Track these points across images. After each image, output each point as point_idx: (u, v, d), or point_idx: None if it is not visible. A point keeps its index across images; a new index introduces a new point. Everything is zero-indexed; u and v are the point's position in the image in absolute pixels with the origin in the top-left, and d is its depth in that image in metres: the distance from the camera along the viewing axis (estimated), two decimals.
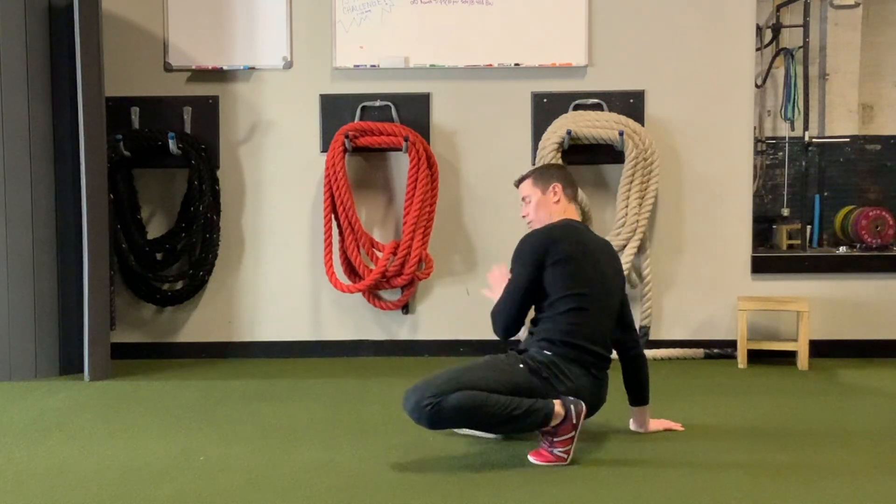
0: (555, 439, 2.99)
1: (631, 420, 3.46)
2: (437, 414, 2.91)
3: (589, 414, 3.13)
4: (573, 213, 3.34)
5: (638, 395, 3.40)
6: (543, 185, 3.31)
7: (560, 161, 4.90)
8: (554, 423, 2.98)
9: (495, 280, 3.32)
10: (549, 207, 3.29)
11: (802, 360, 4.80)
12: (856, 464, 3.01)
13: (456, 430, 3.33)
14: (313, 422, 3.65)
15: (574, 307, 3.13)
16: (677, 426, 3.46)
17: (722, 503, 2.64)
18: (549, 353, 3.11)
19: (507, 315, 3.19)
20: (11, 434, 3.48)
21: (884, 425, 3.56)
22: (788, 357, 4.93)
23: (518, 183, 3.42)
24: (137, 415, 3.81)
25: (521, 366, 3.07)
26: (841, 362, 4.93)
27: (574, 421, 2.99)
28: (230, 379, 4.61)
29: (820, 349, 4.96)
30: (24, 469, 3.02)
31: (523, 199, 3.37)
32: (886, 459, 3.07)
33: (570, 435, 2.99)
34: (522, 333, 3.37)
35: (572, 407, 3.00)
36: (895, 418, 3.68)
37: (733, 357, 4.95)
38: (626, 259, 4.91)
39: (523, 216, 3.38)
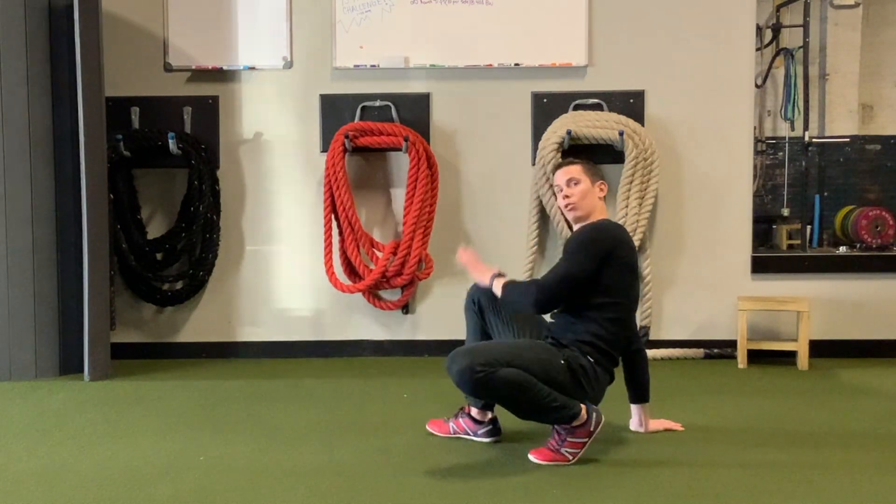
0: (569, 438, 3.02)
1: (631, 419, 3.46)
2: (485, 383, 2.91)
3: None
4: (606, 215, 3.35)
5: (638, 391, 3.42)
6: (593, 177, 3.30)
7: (560, 161, 4.90)
8: (576, 423, 3.02)
9: (470, 263, 3.34)
10: (594, 201, 3.28)
11: (802, 360, 4.80)
12: (856, 464, 3.01)
13: (453, 434, 3.35)
14: (313, 422, 3.65)
15: (621, 317, 3.20)
16: (677, 426, 3.46)
17: (722, 503, 2.64)
18: (591, 359, 3.14)
19: (550, 297, 3.14)
20: (11, 434, 3.48)
21: (884, 425, 3.56)
22: (788, 357, 4.93)
23: (562, 166, 3.36)
24: (137, 415, 3.81)
25: (563, 362, 3.08)
26: (841, 362, 4.93)
27: (592, 428, 3.04)
28: (230, 379, 4.61)
29: (820, 349, 4.96)
30: (24, 469, 3.02)
31: (570, 180, 3.28)
32: (886, 459, 3.07)
33: (583, 440, 3.03)
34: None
35: (594, 414, 3.06)
36: (895, 418, 3.68)
37: (733, 357, 4.95)
38: None
39: (566, 196, 3.28)
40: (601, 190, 3.31)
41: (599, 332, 3.16)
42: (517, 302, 3.20)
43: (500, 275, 3.26)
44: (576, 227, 3.34)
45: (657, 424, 3.47)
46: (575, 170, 3.31)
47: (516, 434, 3.34)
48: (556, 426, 3.04)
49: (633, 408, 3.46)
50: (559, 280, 3.14)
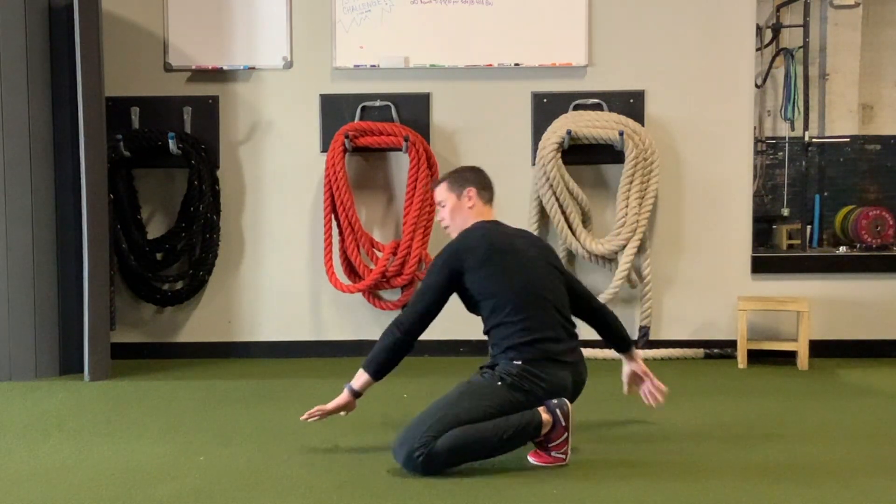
0: (549, 445, 2.99)
1: (623, 369, 3.46)
2: (430, 462, 2.86)
3: (575, 396, 3.16)
4: (489, 215, 3.30)
5: (619, 341, 3.43)
6: (458, 190, 3.28)
7: (560, 161, 4.91)
8: (545, 431, 2.98)
9: (325, 411, 3.18)
10: (464, 213, 3.27)
11: (802, 360, 4.80)
12: (856, 464, 3.01)
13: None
14: (313, 422, 3.65)
15: (516, 306, 3.09)
16: (661, 387, 3.41)
17: (722, 503, 2.64)
18: (518, 362, 3.06)
19: (410, 312, 3.16)
20: (11, 434, 3.48)
21: (884, 425, 3.56)
22: (788, 357, 4.93)
23: (434, 187, 3.39)
24: (137, 415, 3.81)
25: (499, 383, 3.03)
26: (841, 362, 4.93)
27: (563, 423, 2.98)
28: (230, 379, 4.61)
29: (820, 349, 4.96)
30: (24, 469, 3.02)
31: (438, 203, 3.36)
32: (886, 459, 3.07)
33: (563, 437, 2.98)
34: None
35: (558, 411, 2.99)
36: (895, 418, 3.68)
37: (733, 357, 4.95)
38: (625, 259, 4.91)
39: (440, 220, 3.37)
40: (469, 199, 3.26)
41: (508, 332, 3.09)
42: (384, 351, 3.14)
43: (350, 387, 3.17)
44: None
45: (643, 368, 3.43)
46: (439, 193, 3.33)
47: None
48: (533, 442, 3.02)
49: (623, 356, 3.45)
50: (413, 303, 3.19)
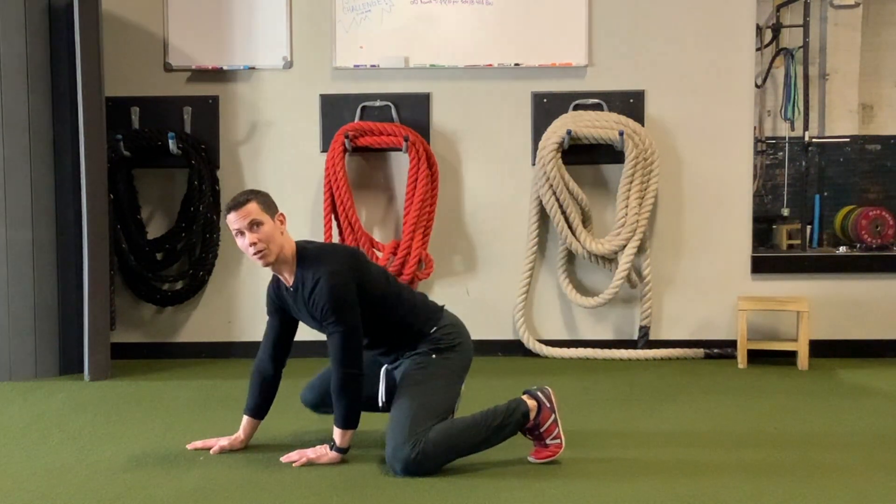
0: (541, 431, 3.00)
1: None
2: (426, 461, 2.84)
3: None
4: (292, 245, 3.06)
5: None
6: (271, 212, 2.98)
7: (560, 161, 4.91)
8: (532, 416, 2.99)
9: (307, 458, 3.05)
10: (280, 237, 2.98)
11: (802, 360, 4.80)
12: (856, 464, 3.01)
13: None
14: (313, 422, 3.65)
15: (396, 304, 3.08)
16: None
17: (722, 503, 2.64)
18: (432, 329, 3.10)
19: (351, 356, 2.97)
20: (11, 434, 3.48)
21: (884, 425, 3.56)
22: (788, 357, 4.93)
23: (237, 206, 2.93)
24: (137, 415, 3.81)
25: (434, 356, 3.05)
26: (841, 362, 4.93)
27: (548, 405, 3.00)
28: (230, 379, 4.60)
29: (820, 349, 4.96)
30: (24, 469, 3.02)
31: (251, 224, 2.91)
32: (886, 459, 3.07)
33: (552, 419, 3.00)
34: None
35: (540, 394, 3.01)
36: (895, 418, 3.68)
37: (733, 357, 4.95)
38: (625, 259, 4.91)
39: (252, 244, 2.91)
40: (281, 223, 3.01)
41: (398, 323, 3.08)
42: (350, 394, 2.97)
43: (333, 443, 3.04)
44: (287, 276, 3.03)
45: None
46: (253, 210, 2.92)
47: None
48: (524, 433, 3.03)
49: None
50: (345, 343, 2.95)
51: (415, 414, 2.91)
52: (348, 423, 3.01)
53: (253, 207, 2.93)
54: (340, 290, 2.93)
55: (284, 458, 3.05)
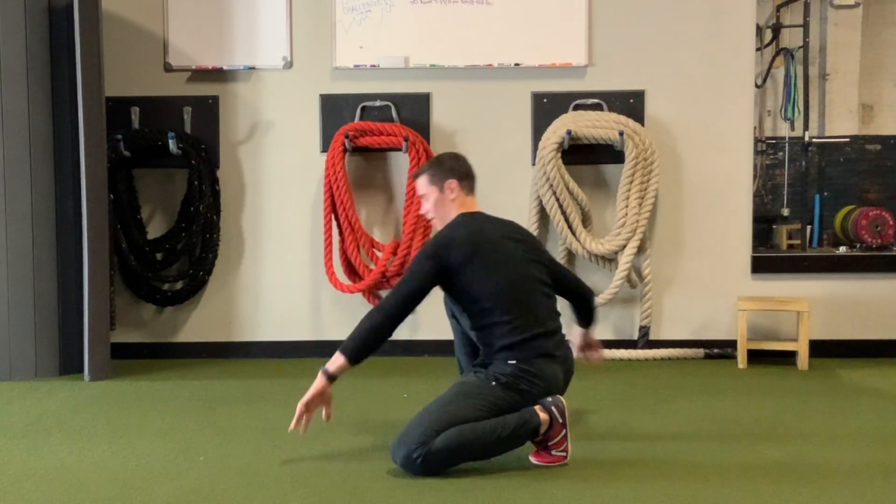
0: (549, 444, 2.99)
1: (576, 338, 3.54)
2: (428, 462, 2.85)
3: (565, 387, 3.19)
4: (472, 206, 3.29)
5: (588, 321, 3.54)
6: (440, 183, 3.26)
7: (560, 161, 4.91)
8: (543, 430, 2.98)
9: (304, 405, 3.05)
10: (447, 205, 3.26)
11: (802, 360, 4.80)
12: (856, 464, 3.01)
13: None
14: (313, 422, 3.65)
15: (505, 305, 3.08)
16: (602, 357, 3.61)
17: (722, 503, 2.64)
18: (511, 361, 3.06)
19: (393, 297, 3.10)
20: (11, 434, 3.48)
21: (884, 425, 3.56)
22: (788, 357, 4.93)
23: (415, 177, 3.39)
24: (137, 415, 3.81)
25: (494, 383, 3.03)
26: (841, 362, 4.92)
27: (560, 420, 2.98)
28: (230, 379, 4.61)
29: (820, 349, 4.96)
30: (24, 469, 3.02)
31: (421, 196, 3.35)
32: (886, 459, 3.07)
33: (562, 434, 2.99)
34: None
35: (554, 409, 2.99)
36: (895, 418, 3.68)
37: (733, 357, 4.95)
38: (625, 259, 4.91)
39: (424, 212, 3.37)
40: (451, 191, 3.25)
41: (502, 331, 3.08)
42: (364, 331, 3.07)
43: (325, 370, 3.05)
44: None
45: (595, 340, 3.57)
46: (421, 186, 3.32)
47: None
48: (532, 442, 3.02)
49: (582, 330, 3.53)
50: (397, 288, 3.12)
51: (439, 418, 2.91)
52: (346, 347, 3.04)
53: (420, 183, 3.33)
54: (426, 247, 3.20)
55: (291, 427, 3.00)
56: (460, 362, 3.53)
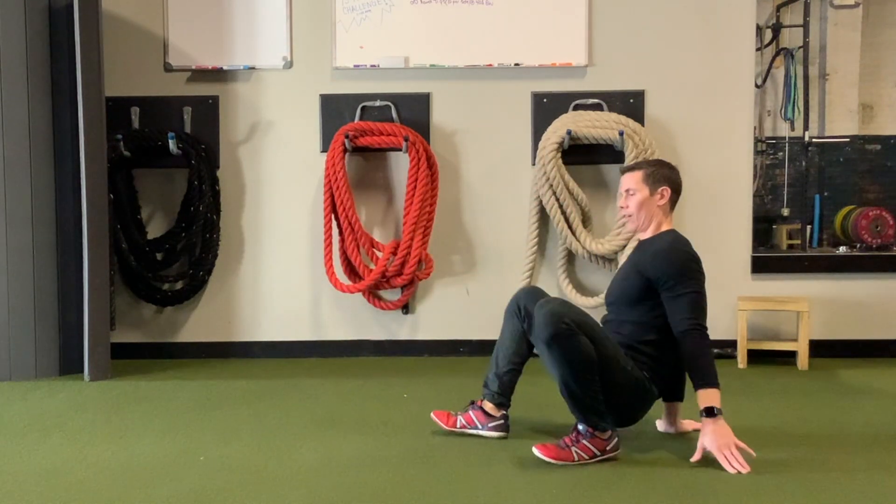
0: (583, 441, 3.00)
1: (659, 420, 3.47)
2: (565, 338, 2.86)
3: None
4: (671, 222, 3.25)
5: (672, 387, 3.38)
6: (653, 185, 3.19)
7: (560, 161, 4.91)
8: (598, 433, 3.00)
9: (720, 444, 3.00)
10: (652, 210, 3.20)
11: (802, 360, 4.80)
12: (856, 464, 3.01)
13: (459, 428, 3.37)
14: (313, 422, 3.65)
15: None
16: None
17: (722, 503, 2.64)
18: (647, 374, 3.12)
19: (704, 316, 3.06)
20: (11, 434, 3.48)
21: (884, 425, 3.56)
22: (788, 357, 4.93)
23: (626, 171, 3.27)
24: (137, 415, 3.81)
25: (629, 368, 3.06)
26: (841, 362, 4.93)
27: (608, 447, 3.03)
28: (230, 379, 4.61)
29: (820, 349, 4.97)
30: (24, 469, 3.02)
31: (627, 190, 3.23)
32: (886, 459, 3.07)
33: (596, 450, 3.01)
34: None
35: (615, 439, 3.05)
36: (895, 418, 3.68)
37: (733, 357, 4.95)
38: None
39: (621, 207, 3.25)
40: (661, 197, 3.18)
41: (661, 342, 3.12)
42: (710, 354, 3.06)
43: (706, 408, 3.00)
44: (641, 236, 3.27)
45: (688, 425, 3.41)
46: (631, 180, 3.22)
47: (519, 434, 3.34)
48: (579, 425, 3.03)
49: (665, 406, 3.41)
50: (699, 310, 3.04)
51: (593, 331, 2.95)
52: (712, 378, 3.01)
53: (632, 178, 3.22)
54: (690, 262, 3.08)
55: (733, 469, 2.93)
56: (497, 361, 3.39)
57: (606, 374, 2.97)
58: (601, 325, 3.19)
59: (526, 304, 3.28)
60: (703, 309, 3.07)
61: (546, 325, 2.89)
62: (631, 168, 3.27)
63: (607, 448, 3.03)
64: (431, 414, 3.47)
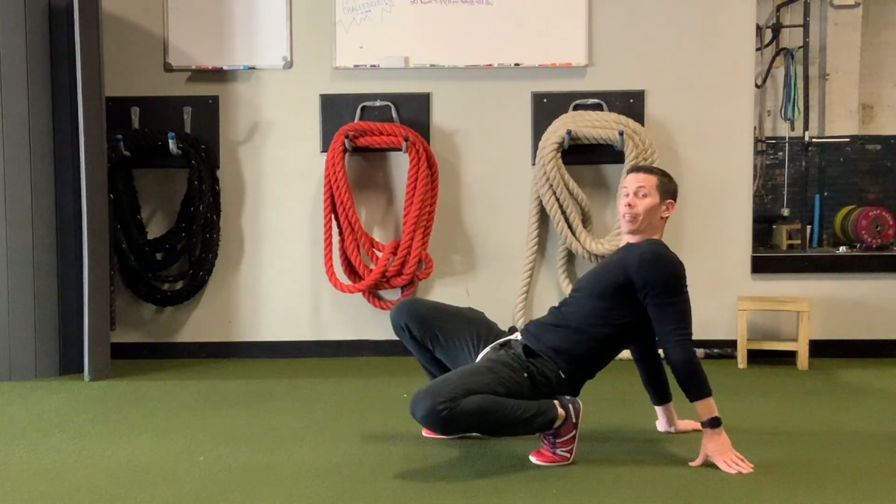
0: (557, 440, 3.00)
1: (657, 421, 3.49)
2: (451, 419, 2.85)
3: None
4: (661, 237, 3.26)
5: (660, 392, 3.46)
6: (663, 195, 3.19)
7: (560, 161, 4.91)
8: (556, 425, 2.99)
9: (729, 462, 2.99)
10: (656, 218, 3.19)
11: (802, 360, 4.80)
12: (856, 464, 3.02)
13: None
14: (313, 422, 3.65)
15: (623, 345, 3.26)
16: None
17: (722, 503, 2.64)
18: (562, 374, 3.10)
19: (690, 331, 3.15)
20: (11, 434, 3.48)
21: (884, 425, 3.56)
22: (788, 357, 4.93)
23: (640, 170, 3.23)
24: (137, 415, 3.81)
25: (525, 375, 3.05)
26: (841, 362, 4.93)
27: (574, 420, 3.01)
28: (230, 379, 4.61)
29: (820, 349, 4.96)
30: (24, 469, 3.02)
31: (640, 188, 3.16)
32: (886, 459, 3.07)
33: (571, 434, 3.01)
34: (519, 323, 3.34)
35: (571, 407, 3.02)
36: (895, 418, 3.68)
37: (733, 357, 4.95)
38: None
39: (629, 205, 3.16)
40: (667, 209, 3.19)
41: (589, 351, 3.15)
42: (698, 365, 3.08)
43: (710, 419, 3.01)
44: (627, 240, 3.24)
45: (686, 425, 3.43)
46: (648, 181, 3.18)
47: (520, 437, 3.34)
48: (541, 434, 3.04)
49: (659, 409, 3.45)
50: (688, 321, 3.15)
51: (472, 382, 2.92)
52: (705, 388, 3.03)
53: (649, 180, 3.18)
54: (677, 272, 3.15)
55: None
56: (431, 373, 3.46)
57: (508, 394, 2.96)
58: (549, 310, 3.27)
59: (407, 324, 3.34)
60: (691, 319, 3.14)
61: (432, 424, 2.89)
62: (647, 170, 3.24)
63: (575, 422, 3.01)
64: (423, 432, 3.41)
